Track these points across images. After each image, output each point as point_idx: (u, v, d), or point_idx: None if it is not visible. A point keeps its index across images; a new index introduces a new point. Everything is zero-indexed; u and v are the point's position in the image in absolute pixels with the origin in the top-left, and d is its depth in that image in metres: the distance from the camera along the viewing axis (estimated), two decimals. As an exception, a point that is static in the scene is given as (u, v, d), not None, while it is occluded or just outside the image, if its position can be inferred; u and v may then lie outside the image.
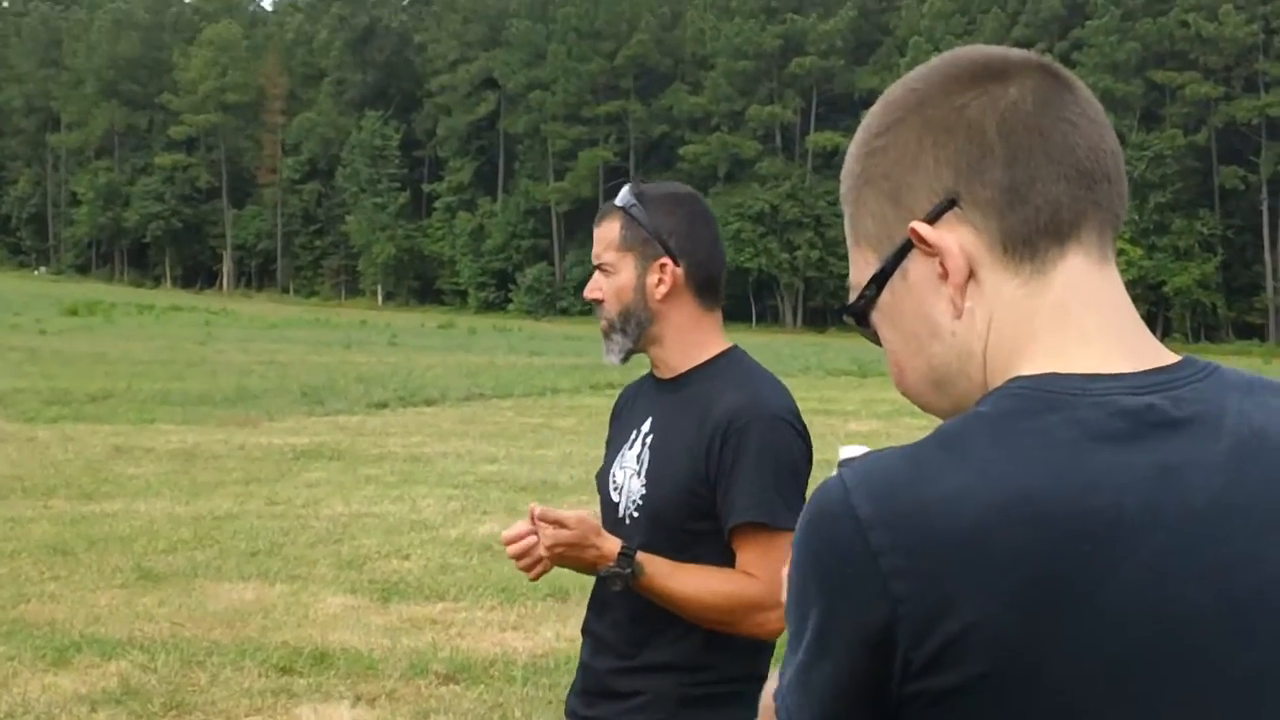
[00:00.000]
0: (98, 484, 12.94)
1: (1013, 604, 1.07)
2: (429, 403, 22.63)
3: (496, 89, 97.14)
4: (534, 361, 35.36)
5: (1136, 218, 75.01)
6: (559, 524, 2.69)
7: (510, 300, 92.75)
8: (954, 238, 1.19)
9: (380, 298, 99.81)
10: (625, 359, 2.90)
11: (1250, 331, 78.43)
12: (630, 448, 2.86)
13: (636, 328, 2.84)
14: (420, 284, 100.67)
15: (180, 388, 23.11)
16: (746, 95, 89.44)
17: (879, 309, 1.26)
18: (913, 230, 1.20)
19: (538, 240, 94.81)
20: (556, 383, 26.87)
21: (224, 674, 6.92)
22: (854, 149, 1.30)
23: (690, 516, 2.74)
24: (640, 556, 2.68)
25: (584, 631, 2.93)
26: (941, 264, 1.20)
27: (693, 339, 2.84)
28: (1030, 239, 1.18)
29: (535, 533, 2.74)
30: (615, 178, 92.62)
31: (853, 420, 21.14)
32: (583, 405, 23.05)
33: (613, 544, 2.69)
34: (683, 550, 2.72)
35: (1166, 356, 1.19)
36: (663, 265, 2.81)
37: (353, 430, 18.30)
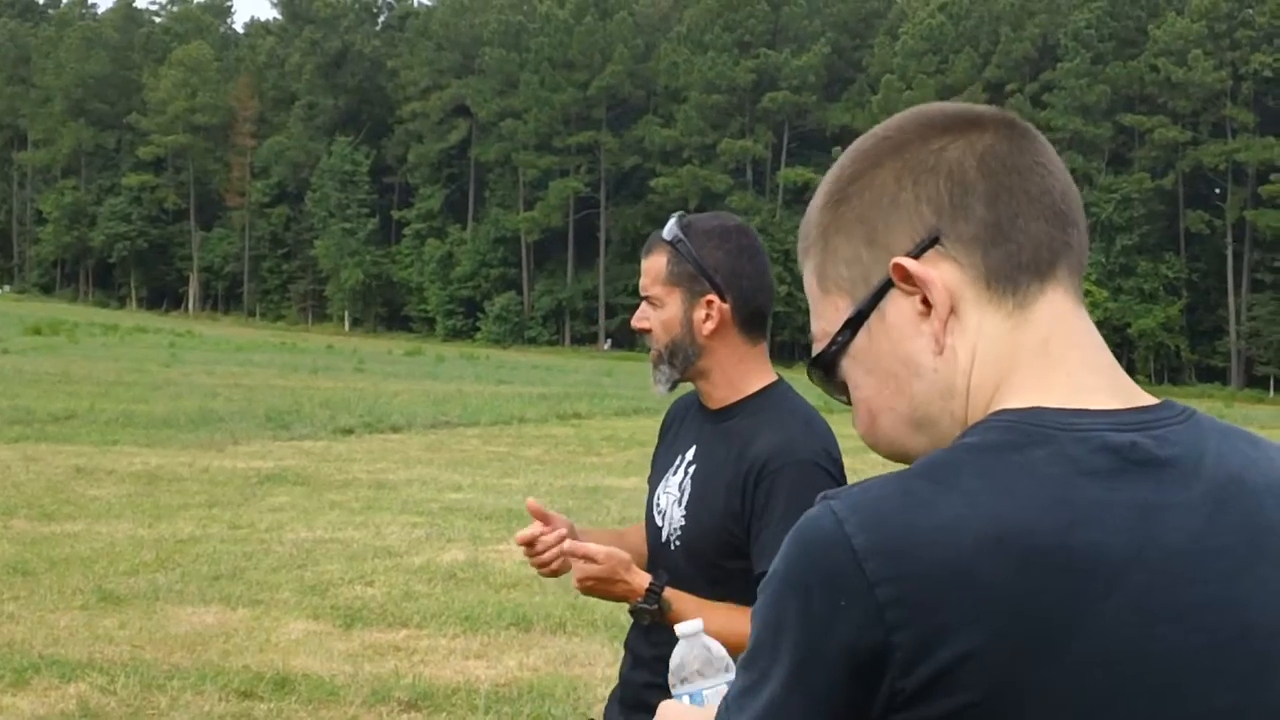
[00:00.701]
0: (59, 504, 12.84)
1: (1000, 636, 1.08)
2: (395, 429, 22.55)
3: (468, 117, 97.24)
4: (501, 390, 35.29)
5: (1103, 260, 75.54)
6: (588, 558, 2.72)
7: (478, 329, 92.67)
8: (937, 273, 1.21)
9: (347, 323, 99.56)
10: (672, 388, 2.94)
11: (1213, 375, 79.02)
12: (674, 473, 2.93)
13: (684, 361, 2.88)
14: (388, 310, 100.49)
15: (144, 410, 22.96)
16: (718, 129, 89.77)
17: (851, 355, 1.27)
18: (896, 266, 1.22)
19: (507, 269, 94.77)
20: (523, 412, 26.82)
21: (184, 697, 6.86)
22: (820, 200, 1.31)
23: (723, 554, 2.77)
24: (668, 593, 2.74)
25: (625, 646, 3.00)
26: (923, 300, 1.22)
27: (738, 372, 2.89)
28: (1012, 275, 1.20)
29: (546, 532, 2.84)
30: (586, 208, 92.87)
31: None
32: (549, 435, 23.02)
33: (641, 579, 2.74)
34: (716, 585, 2.77)
35: (1146, 397, 1.21)
36: (709, 301, 2.85)
37: (318, 456, 18.22)
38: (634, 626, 2.92)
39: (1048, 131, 79.50)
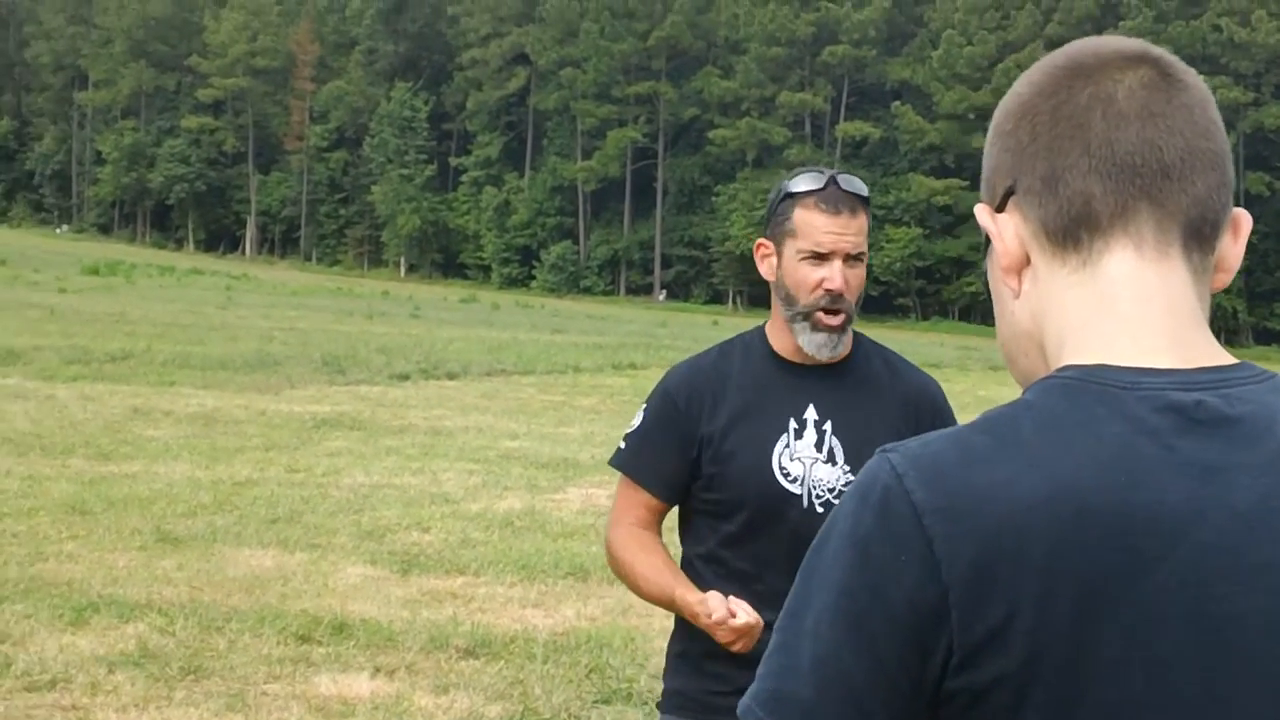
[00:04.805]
0: (116, 445, 12.90)
1: (1054, 596, 1.09)
2: (451, 376, 22.55)
3: (528, 65, 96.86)
4: (556, 339, 35.26)
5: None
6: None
7: (534, 277, 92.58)
8: (1010, 223, 1.23)
9: (403, 269, 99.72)
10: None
11: (1270, 337, 78.10)
12: (795, 438, 2.90)
13: (851, 320, 2.94)
14: (444, 257, 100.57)
15: (200, 351, 23.06)
16: (777, 81, 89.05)
17: (988, 260, 1.31)
18: (979, 209, 1.27)
19: (563, 218, 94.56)
20: (579, 361, 26.77)
21: (242, 640, 6.85)
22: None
23: None
24: None
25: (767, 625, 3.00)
26: None
27: None
28: (1069, 229, 1.20)
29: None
30: (643, 159, 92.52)
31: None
32: (604, 385, 22.98)
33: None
34: None
35: (1223, 357, 1.18)
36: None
37: (374, 401, 18.24)
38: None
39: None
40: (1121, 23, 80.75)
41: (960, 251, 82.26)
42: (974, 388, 26.16)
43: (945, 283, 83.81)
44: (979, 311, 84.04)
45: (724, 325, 54.68)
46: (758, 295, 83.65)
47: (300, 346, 25.73)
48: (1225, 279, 1.23)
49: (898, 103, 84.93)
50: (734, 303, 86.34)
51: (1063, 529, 1.08)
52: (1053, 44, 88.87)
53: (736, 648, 2.73)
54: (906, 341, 44.89)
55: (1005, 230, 1.23)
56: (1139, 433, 1.11)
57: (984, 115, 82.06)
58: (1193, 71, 1.23)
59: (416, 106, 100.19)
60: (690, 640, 2.92)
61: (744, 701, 1.16)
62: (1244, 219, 1.23)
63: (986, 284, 1.31)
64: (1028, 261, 1.22)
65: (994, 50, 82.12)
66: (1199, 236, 1.20)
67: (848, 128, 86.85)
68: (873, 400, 2.93)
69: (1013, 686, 1.09)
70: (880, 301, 78.60)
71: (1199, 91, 1.21)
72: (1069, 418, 1.13)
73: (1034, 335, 1.23)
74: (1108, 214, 1.18)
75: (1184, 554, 1.09)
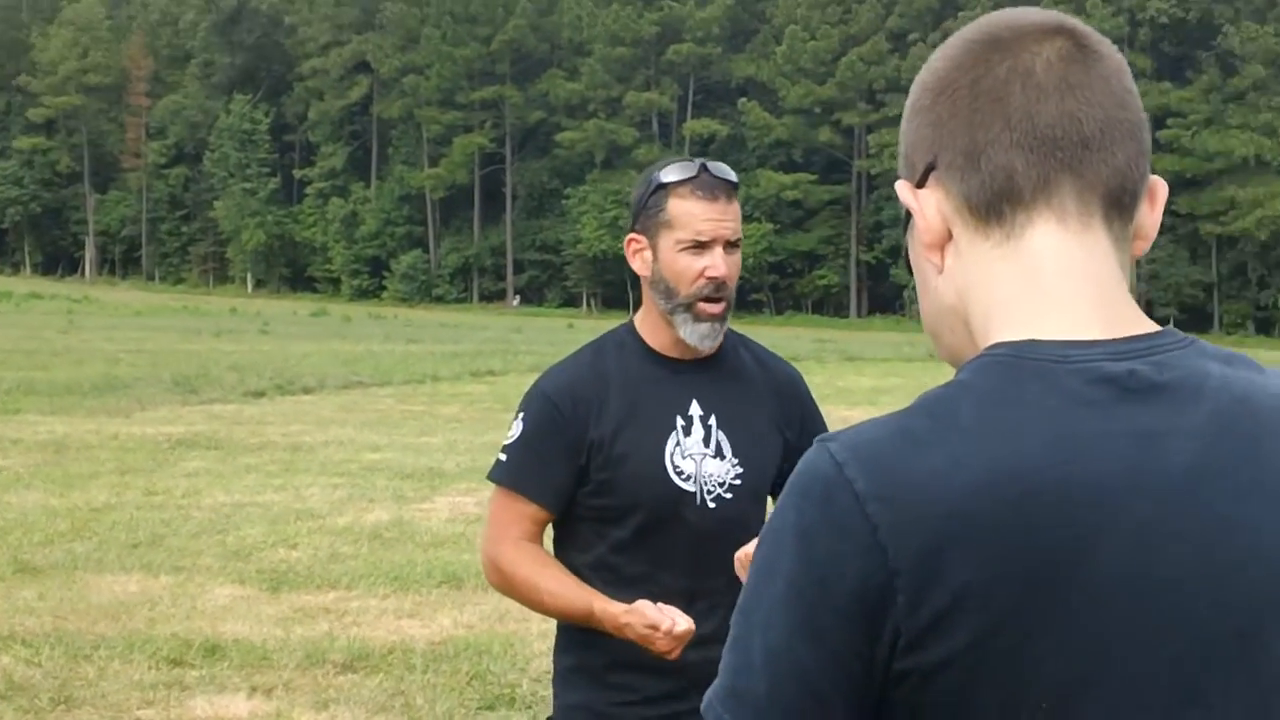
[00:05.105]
0: (-34, 474, 12.51)
1: (1001, 575, 1.09)
2: (307, 391, 22.29)
3: (369, 73, 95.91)
4: (412, 349, 35.00)
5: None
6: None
7: (385, 288, 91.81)
8: (932, 199, 1.23)
9: (250, 285, 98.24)
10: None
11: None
12: (684, 435, 2.86)
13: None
14: (291, 271, 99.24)
15: (45, 377, 22.50)
16: (623, 82, 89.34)
17: (908, 235, 1.30)
18: (900, 186, 1.26)
19: (412, 227, 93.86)
20: (436, 370, 26.61)
21: (112, 667, 6.68)
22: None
23: (776, 486, 2.90)
24: None
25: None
26: None
27: None
28: (992, 203, 1.20)
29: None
30: (491, 164, 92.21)
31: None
32: (464, 393, 22.86)
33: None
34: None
35: (1148, 324, 1.19)
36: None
37: (229, 419, 17.94)
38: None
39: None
40: (960, 13, 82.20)
41: (811, 245, 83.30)
42: (832, 379, 26.46)
43: (798, 276, 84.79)
44: (832, 304, 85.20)
45: (579, 328, 54.72)
46: (612, 297, 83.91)
47: (149, 367, 25.23)
48: (1144, 246, 1.24)
49: (744, 99, 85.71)
50: (588, 305, 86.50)
51: (1007, 511, 1.09)
52: (894, 36, 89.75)
53: (674, 655, 2.69)
54: (763, 336, 45.01)
55: (927, 206, 1.23)
56: (1075, 406, 1.12)
57: (829, 109, 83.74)
58: (1107, 42, 1.24)
59: (257, 119, 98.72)
60: (587, 651, 2.86)
61: (706, 698, 1.16)
62: (1160, 187, 1.24)
63: (909, 264, 1.31)
64: (950, 237, 1.23)
65: (837, 44, 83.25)
66: (1119, 206, 1.21)
67: (695, 126, 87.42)
68: (749, 392, 2.92)
69: (962, 667, 1.09)
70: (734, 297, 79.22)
71: (1114, 61, 1.22)
72: (1005, 396, 1.13)
73: (959, 311, 1.24)
74: (1030, 187, 1.18)
75: (1125, 525, 1.10)
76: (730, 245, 2.84)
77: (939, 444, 1.11)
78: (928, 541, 1.09)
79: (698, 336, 2.84)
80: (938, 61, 1.25)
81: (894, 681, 1.10)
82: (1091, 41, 1.23)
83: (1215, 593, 1.11)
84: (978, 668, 1.09)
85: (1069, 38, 1.22)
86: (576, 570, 2.87)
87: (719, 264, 2.81)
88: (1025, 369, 1.14)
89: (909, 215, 1.26)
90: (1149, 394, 1.13)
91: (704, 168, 2.85)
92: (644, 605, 2.69)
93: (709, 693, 1.15)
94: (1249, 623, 1.11)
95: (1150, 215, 1.23)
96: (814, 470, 1.14)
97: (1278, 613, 1.12)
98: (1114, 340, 1.16)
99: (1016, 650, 1.09)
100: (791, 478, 1.15)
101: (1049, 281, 1.18)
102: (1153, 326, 1.18)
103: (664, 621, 2.65)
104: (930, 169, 1.23)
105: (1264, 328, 76.39)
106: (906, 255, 1.31)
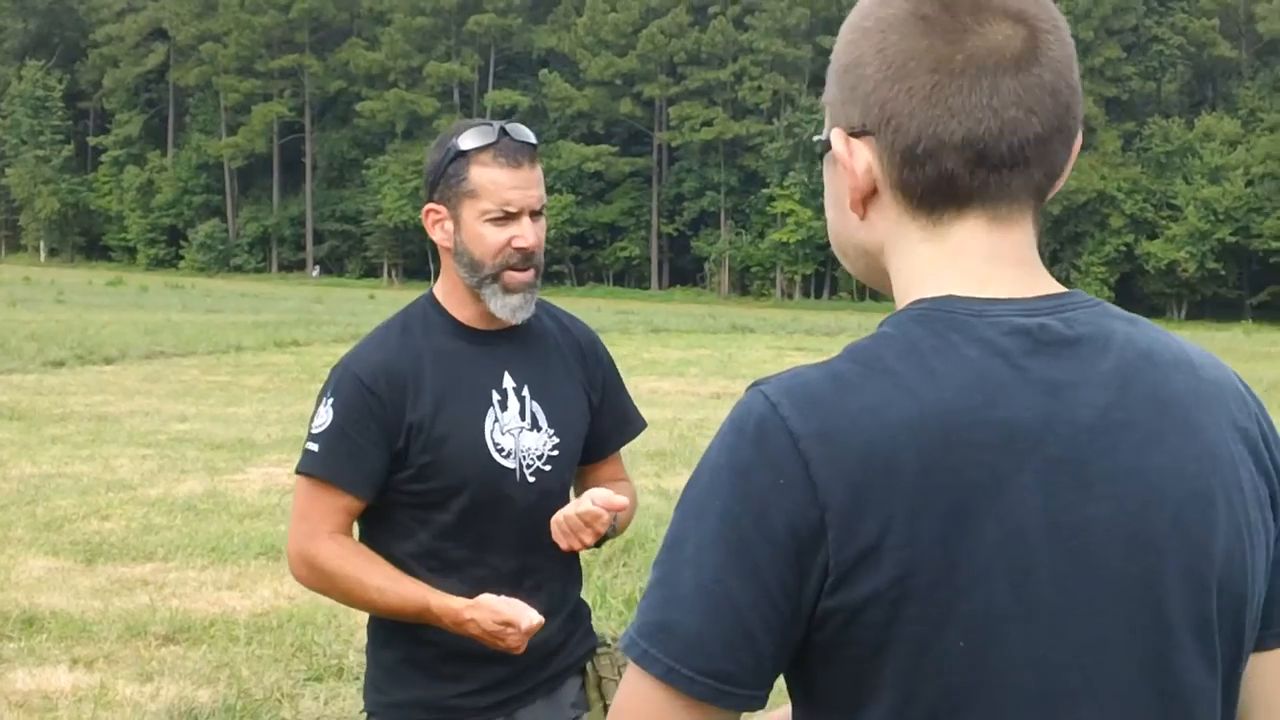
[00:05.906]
0: None
1: (923, 514, 1.12)
2: (109, 361, 21.78)
3: (166, 40, 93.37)
4: (213, 319, 34.32)
5: (806, 179, 77.19)
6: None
7: (182, 257, 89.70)
8: (864, 158, 1.25)
9: (44, 254, 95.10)
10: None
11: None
12: (502, 410, 2.76)
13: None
14: (86, 240, 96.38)
15: None
16: (424, 52, 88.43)
17: (826, 163, 1.33)
18: (836, 133, 1.28)
19: (210, 196, 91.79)
20: (240, 340, 26.20)
21: (-73, 642, 6.57)
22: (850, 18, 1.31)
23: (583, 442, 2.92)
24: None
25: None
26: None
27: None
28: (925, 198, 1.24)
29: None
30: (290, 133, 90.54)
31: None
32: (269, 363, 22.61)
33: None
34: (575, 477, 2.94)
35: (1056, 286, 1.26)
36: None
37: (30, 390, 17.48)
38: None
39: (749, 54, 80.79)
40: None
41: (613, 217, 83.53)
42: (639, 350, 26.71)
43: (599, 248, 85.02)
44: (633, 276, 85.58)
45: (381, 299, 54.24)
46: (413, 268, 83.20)
47: (-61, 338, 24.38)
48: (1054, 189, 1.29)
49: (545, 70, 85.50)
50: (389, 275, 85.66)
51: (931, 449, 1.13)
52: (695, 9, 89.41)
53: (521, 650, 2.62)
54: (565, 308, 45.24)
55: (858, 162, 1.25)
56: (992, 354, 1.18)
57: (630, 80, 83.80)
58: (1061, 23, 1.24)
59: (50, 85, 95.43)
60: (415, 645, 2.75)
61: (626, 635, 1.19)
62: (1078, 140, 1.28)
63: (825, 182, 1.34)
64: (875, 192, 1.26)
65: (638, 16, 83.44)
66: (1043, 193, 1.27)
67: (497, 96, 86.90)
68: (555, 357, 2.84)
69: (886, 603, 1.12)
70: (538, 269, 79.06)
71: (1064, 51, 1.23)
72: (927, 344, 1.18)
73: (874, 256, 1.29)
74: (966, 191, 1.23)
75: (1037, 466, 1.16)
76: (535, 213, 2.72)
77: (868, 387, 1.16)
78: (856, 477, 1.13)
79: (509, 310, 2.72)
80: (891, 30, 1.23)
81: (818, 623, 1.15)
82: (1045, 27, 1.23)
83: (1123, 537, 1.17)
84: (899, 604, 1.13)
85: (1026, 26, 1.22)
86: (396, 560, 2.72)
87: (527, 233, 2.69)
88: (945, 321, 1.20)
89: (828, 145, 1.29)
90: (1060, 347, 1.20)
91: (504, 131, 2.69)
92: (489, 599, 2.59)
93: (628, 631, 1.19)
94: (1153, 566, 1.18)
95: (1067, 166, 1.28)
96: (749, 410, 1.18)
97: (1179, 558, 1.19)
98: (1026, 299, 1.22)
99: (936, 586, 1.13)
100: (726, 420, 1.20)
101: (972, 261, 1.24)
102: (1061, 288, 1.26)
103: (521, 620, 2.57)
104: (867, 133, 1.25)
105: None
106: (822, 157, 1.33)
